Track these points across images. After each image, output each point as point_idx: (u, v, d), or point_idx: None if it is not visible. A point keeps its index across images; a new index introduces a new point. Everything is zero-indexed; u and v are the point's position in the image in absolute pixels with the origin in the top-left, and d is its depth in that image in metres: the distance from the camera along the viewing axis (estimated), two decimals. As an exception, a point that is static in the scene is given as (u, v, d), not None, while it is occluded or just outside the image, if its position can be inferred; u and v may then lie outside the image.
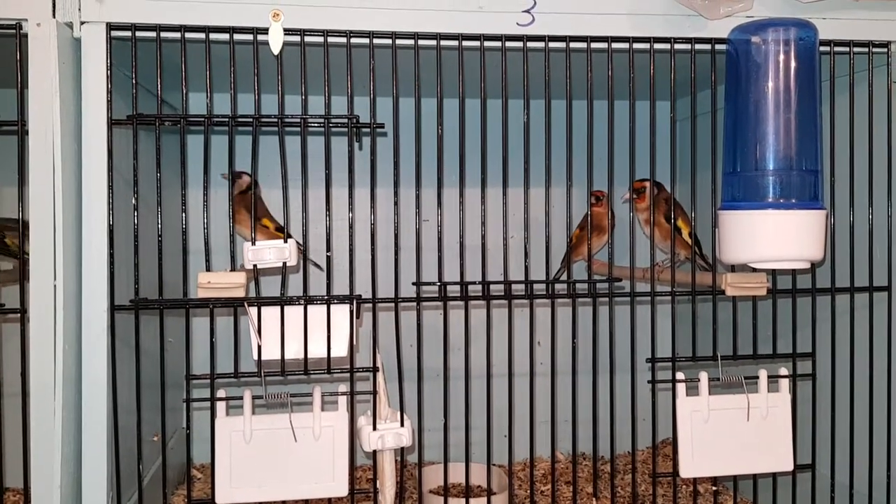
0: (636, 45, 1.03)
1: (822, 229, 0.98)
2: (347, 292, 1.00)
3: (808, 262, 0.99)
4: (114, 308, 0.95)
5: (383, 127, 1.00)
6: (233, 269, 0.99)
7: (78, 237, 0.95)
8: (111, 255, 0.95)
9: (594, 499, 1.09)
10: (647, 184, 1.34)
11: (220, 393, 0.98)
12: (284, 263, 0.98)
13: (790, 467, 1.05)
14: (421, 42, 0.99)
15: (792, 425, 1.05)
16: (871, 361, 1.09)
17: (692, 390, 1.04)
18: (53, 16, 0.92)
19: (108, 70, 0.94)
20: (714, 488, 1.09)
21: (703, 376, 1.04)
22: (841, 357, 1.09)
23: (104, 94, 0.94)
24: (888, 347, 1.09)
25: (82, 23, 0.94)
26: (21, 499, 0.95)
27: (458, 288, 1.03)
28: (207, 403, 0.98)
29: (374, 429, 1.00)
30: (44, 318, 0.92)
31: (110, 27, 0.94)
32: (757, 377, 1.05)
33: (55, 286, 0.92)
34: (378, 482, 1.02)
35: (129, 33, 0.95)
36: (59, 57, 0.92)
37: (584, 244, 1.37)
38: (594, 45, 1.02)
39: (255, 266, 0.98)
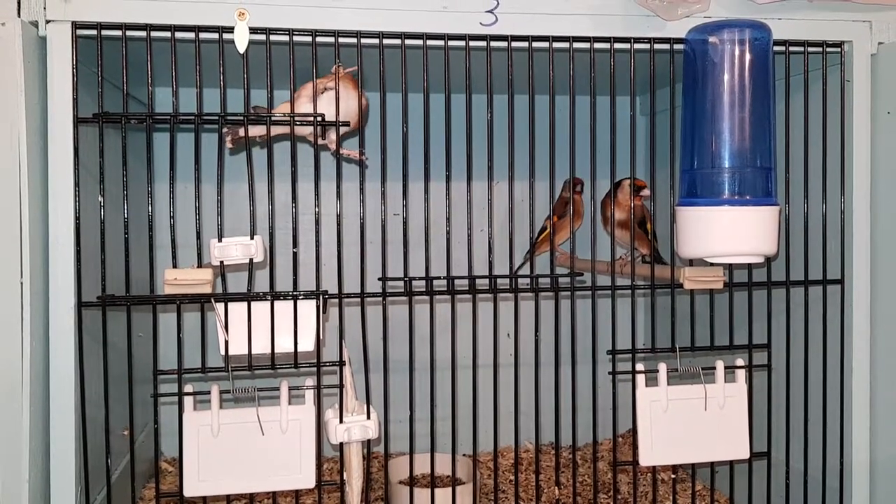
0: (597, 45, 1.05)
1: (776, 224, 1.01)
2: (314, 287, 1.01)
3: (763, 256, 1.02)
4: (81, 305, 0.96)
5: (349, 125, 1.02)
6: (199, 265, 1.00)
7: (45, 234, 0.96)
8: (78, 253, 0.95)
9: (557, 487, 1.11)
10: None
11: (188, 388, 0.99)
12: (251, 259, 0.99)
13: (746, 455, 1.08)
14: (386, 41, 1.01)
15: (748, 414, 1.08)
16: (824, 352, 1.13)
17: (652, 381, 1.07)
18: (18, 15, 0.92)
19: (73, 69, 0.95)
20: (674, 476, 1.12)
21: (662, 367, 1.07)
22: (796, 348, 1.13)
23: (70, 92, 0.95)
24: (841, 338, 1.12)
25: (48, 21, 0.94)
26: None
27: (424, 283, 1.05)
28: (176, 398, 1.00)
29: (341, 421, 1.02)
30: (10, 314, 0.92)
31: (76, 26, 0.95)
32: (714, 368, 1.08)
33: (22, 283, 0.93)
34: (345, 474, 1.04)
35: (94, 32, 0.96)
36: (25, 56, 0.92)
37: (560, 230, 1.39)
38: (556, 44, 1.04)
39: (221, 262, 0.99)
